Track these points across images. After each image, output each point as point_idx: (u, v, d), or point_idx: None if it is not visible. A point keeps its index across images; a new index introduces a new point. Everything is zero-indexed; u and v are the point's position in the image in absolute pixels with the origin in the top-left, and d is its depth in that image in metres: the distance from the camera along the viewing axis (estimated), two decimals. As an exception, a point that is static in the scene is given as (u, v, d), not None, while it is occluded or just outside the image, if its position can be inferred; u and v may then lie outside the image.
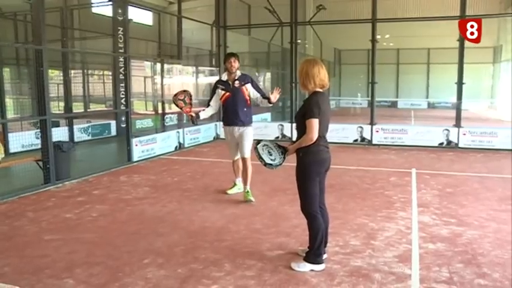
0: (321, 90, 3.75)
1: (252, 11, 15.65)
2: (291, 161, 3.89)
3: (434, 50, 27.46)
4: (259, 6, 15.06)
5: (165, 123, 13.91)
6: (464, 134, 10.56)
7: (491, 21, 23.15)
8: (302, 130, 3.71)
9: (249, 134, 6.01)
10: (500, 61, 26.08)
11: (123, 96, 12.60)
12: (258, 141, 3.93)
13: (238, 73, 5.97)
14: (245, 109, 5.99)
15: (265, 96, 5.94)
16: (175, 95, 5.66)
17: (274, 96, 5.71)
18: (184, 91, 5.72)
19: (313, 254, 3.83)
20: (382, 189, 6.74)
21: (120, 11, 12.36)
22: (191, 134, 11.16)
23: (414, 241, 4.50)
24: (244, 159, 6.04)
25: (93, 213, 5.47)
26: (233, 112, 5.93)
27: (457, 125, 10.76)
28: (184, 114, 6.34)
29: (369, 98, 29.96)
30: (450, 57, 26.66)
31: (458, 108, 10.83)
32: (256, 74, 18.06)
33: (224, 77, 6.05)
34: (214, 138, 12.26)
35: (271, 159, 3.84)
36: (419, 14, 11.79)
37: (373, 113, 11.54)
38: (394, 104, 28.38)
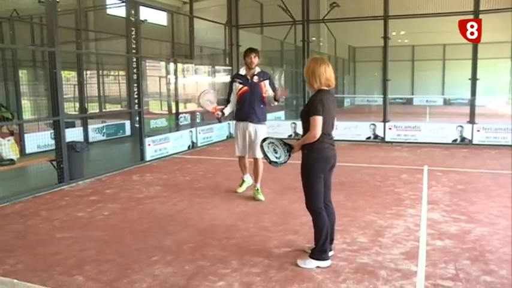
0: (326, 88, 3.77)
1: (265, 10, 15.66)
2: (299, 158, 3.91)
3: (450, 46, 27.08)
4: (272, 4, 15.10)
5: (179, 123, 14.05)
6: (479, 131, 10.43)
7: (506, 16, 22.84)
8: (307, 127, 3.73)
9: (263, 132, 5.89)
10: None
11: (136, 96, 12.81)
12: (263, 139, 3.97)
13: (258, 69, 5.93)
14: (262, 106, 5.94)
15: (275, 98, 5.94)
16: (200, 95, 6.02)
17: (280, 93, 5.94)
18: (208, 91, 6.13)
19: (319, 251, 3.85)
20: (393, 187, 6.71)
21: (133, 11, 12.55)
22: (204, 133, 11.25)
23: (422, 238, 4.48)
24: (256, 159, 6.00)
25: (104, 212, 5.58)
26: (249, 107, 5.86)
27: (471, 121, 10.63)
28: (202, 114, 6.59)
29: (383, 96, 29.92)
30: (465, 52, 26.38)
31: (472, 104, 10.69)
32: (272, 71, 18.09)
33: (242, 71, 6.00)
34: (227, 137, 12.32)
35: (277, 157, 3.87)
36: (432, 10, 11.71)
37: (386, 110, 11.46)
38: (409, 101, 28.11)
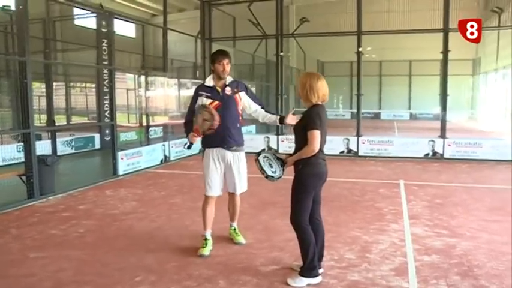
0: (321, 103, 3.74)
1: (237, 23, 15.69)
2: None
3: (416, 62, 27.95)
4: (244, 18, 15.15)
5: (149, 136, 13.79)
6: (449, 145, 10.67)
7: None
8: (302, 142, 3.67)
9: (244, 160, 4.63)
10: (479, 73, 26.64)
11: (107, 108, 12.50)
12: (258, 153, 3.87)
13: (229, 78, 4.52)
14: (238, 125, 4.55)
15: (268, 111, 4.68)
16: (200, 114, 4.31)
17: (291, 118, 4.27)
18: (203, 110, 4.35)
19: (308, 268, 3.76)
20: (372, 201, 6.72)
21: (104, 23, 12.30)
22: (177, 147, 11.03)
23: (409, 253, 4.46)
24: (234, 194, 4.70)
25: (79, 229, 5.32)
26: (224, 128, 4.36)
27: (442, 136, 10.88)
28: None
29: (353, 110, 30.35)
30: (430, 69, 27.32)
31: (443, 119, 10.94)
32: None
33: (209, 82, 4.50)
34: (200, 150, 12.07)
35: (272, 172, 3.79)
36: (400, 27, 12.00)
37: (359, 125, 11.59)
38: (377, 116, 28.72)
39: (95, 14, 11.59)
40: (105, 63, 11.99)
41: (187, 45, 15.09)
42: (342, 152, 11.57)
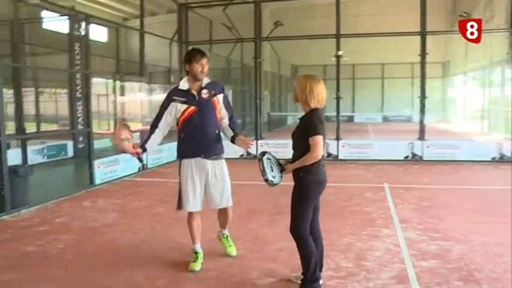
0: (320, 107, 3.59)
1: (214, 27, 15.50)
2: (261, 179, 3.65)
3: (388, 65, 28.32)
4: (220, 22, 14.99)
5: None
6: (428, 147, 10.75)
7: (439, 38, 24.26)
8: (303, 148, 3.51)
9: (226, 169, 4.26)
10: (449, 76, 27.22)
11: (80, 115, 12.08)
12: (262, 153, 3.68)
13: (206, 80, 4.12)
14: (217, 131, 4.18)
15: (233, 123, 4.34)
16: (115, 134, 3.99)
17: (242, 141, 4.16)
18: (123, 125, 4.18)
19: (309, 281, 3.61)
20: (360, 206, 6.63)
21: (77, 26, 11.91)
22: (154, 153, 10.71)
23: (406, 260, 4.36)
24: (225, 210, 4.36)
25: (58, 245, 5.00)
26: (202, 136, 4.06)
27: (421, 138, 10.94)
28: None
29: (326, 113, 30.65)
30: (403, 71, 27.71)
31: (421, 121, 11.01)
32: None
33: (184, 85, 4.11)
34: (177, 157, 11.82)
35: (273, 176, 3.61)
36: (372, 30, 12.05)
37: (339, 128, 11.56)
38: (350, 119, 28.89)
39: (67, 17, 11.22)
40: (79, 67, 11.64)
41: (160, 50, 14.79)
42: (322, 156, 11.44)
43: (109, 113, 13.39)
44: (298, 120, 3.72)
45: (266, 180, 3.60)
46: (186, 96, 4.07)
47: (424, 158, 10.71)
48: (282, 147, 11.38)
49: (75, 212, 6.53)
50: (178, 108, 4.08)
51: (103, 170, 8.52)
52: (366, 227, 5.53)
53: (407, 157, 10.85)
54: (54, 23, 16.04)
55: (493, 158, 10.39)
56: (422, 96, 10.94)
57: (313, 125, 3.49)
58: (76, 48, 11.80)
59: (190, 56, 4.07)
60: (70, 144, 12.20)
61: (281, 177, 3.67)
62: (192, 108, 4.06)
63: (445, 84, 28.09)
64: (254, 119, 12.75)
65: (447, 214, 6.04)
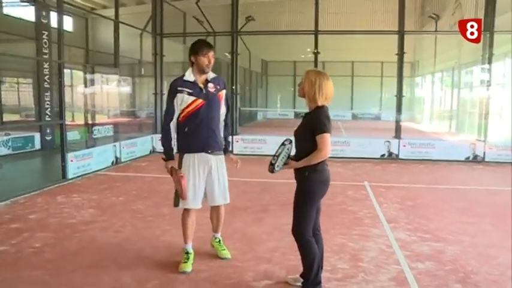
0: (326, 104, 3.44)
1: (188, 20, 15.13)
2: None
3: (358, 63, 28.64)
4: (194, 14, 14.66)
5: (93, 136, 12.91)
6: (404, 146, 10.83)
7: (408, 39, 24.70)
8: (307, 147, 3.35)
9: (225, 165, 4.13)
10: (416, 75, 27.78)
11: (48, 106, 11.54)
12: (290, 141, 3.48)
13: (212, 74, 4.00)
14: (220, 126, 4.11)
15: (228, 118, 4.23)
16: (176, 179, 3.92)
17: (232, 158, 4.18)
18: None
19: (312, 284, 3.46)
20: (345, 205, 6.54)
21: (44, 13, 11.34)
22: (127, 147, 10.35)
23: (401, 261, 4.28)
24: (219, 208, 4.24)
25: (35, 244, 4.66)
26: (208, 130, 3.93)
27: (397, 136, 11.02)
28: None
29: (296, 110, 30.50)
30: (372, 70, 28.07)
31: (397, 120, 11.09)
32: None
33: (189, 76, 3.92)
34: (150, 151, 11.52)
35: (277, 165, 3.43)
36: (346, 28, 12.03)
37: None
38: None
39: (33, 4, 10.65)
40: (46, 56, 11.09)
41: (128, 41, 14.30)
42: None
43: (78, 105, 12.79)
44: (301, 117, 3.55)
45: (272, 164, 3.43)
46: (193, 88, 3.90)
47: (400, 157, 10.79)
48: (259, 143, 11.28)
49: (49, 207, 6.15)
50: (184, 99, 3.88)
51: (76, 164, 8.12)
52: (355, 227, 5.44)
53: (383, 155, 10.90)
54: (17, 9, 15.30)
55: (467, 158, 10.58)
56: (400, 95, 11.01)
57: (320, 122, 3.33)
58: (44, 36, 11.25)
59: (197, 48, 3.89)
60: (37, 136, 11.62)
61: (281, 169, 3.50)
62: (200, 101, 3.90)
63: (413, 84, 28.65)
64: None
65: (433, 214, 6.03)
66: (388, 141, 10.95)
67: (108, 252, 4.45)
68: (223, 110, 4.12)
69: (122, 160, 10.01)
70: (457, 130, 18.59)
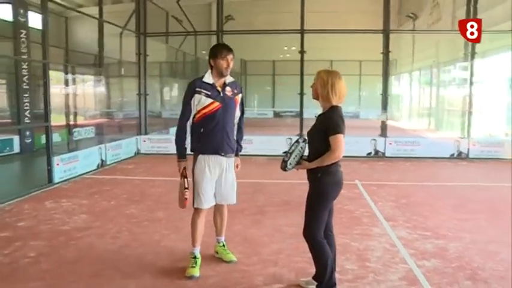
0: (339, 105, 3.38)
1: (170, 19, 14.92)
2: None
3: (336, 62, 28.77)
4: (175, 14, 14.49)
5: (74, 138, 12.62)
6: (391, 144, 10.91)
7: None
8: (320, 147, 3.30)
9: (233, 166, 4.18)
10: (395, 74, 28.13)
11: (27, 108, 11.20)
12: (304, 140, 3.43)
13: (230, 78, 4.01)
14: (234, 130, 4.13)
15: (242, 122, 4.24)
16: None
17: (236, 164, 4.19)
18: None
19: (327, 287, 3.40)
20: (340, 204, 6.46)
21: (22, 11, 11.00)
22: (113, 149, 10.11)
23: (408, 260, 4.27)
24: (223, 209, 4.24)
25: (30, 253, 4.45)
26: (223, 133, 3.94)
27: (383, 134, 11.09)
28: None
29: (275, 109, 30.45)
30: (351, 69, 28.27)
31: (383, 118, 11.17)
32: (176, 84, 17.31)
33: (208, 78, 3.93)
34: (135, 153, 11.28)
35: (290, 163, 3.38)
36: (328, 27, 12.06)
37: (302, 124, 11.50)
38: (298, 114, 29.13)
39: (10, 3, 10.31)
40: (25, 56, 10.75)
41: (108, 41, 14.02)
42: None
43: (59, 106, 12.47)
44: (315, 117, 3.48)
45: (285, 161, 3.39)
46: (212, 91, 3.91)
47: (387, 155, 10.87)
48: (245, 144, 11.18)
49: (38, 214, 5.92)
50: (202, 100, 3.89)
51: (62, 167, 7.87)
52: (355, 226, 5.42)
53: (370, 153, 10.96)
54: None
55: (452, 155, 10.74)
56: (385, 94, 11.09)
57: (334, 122, 3.28)
58: (22, 36, 10.90)
59: (216, 51, 3.93)
60: (16, 139, 11.23)
61: (293, 167, 3.44)
62: (217, 104, 3.90)
63: (391, 82, 29.03)
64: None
65: (429, 211, 6.06)
66: (375, 140, 11.02)
67: (108, 260, 4.29)
68: (237, 113, 4.13)
69: (108, 162, 9.77)
70: (436, 127, 18.90)
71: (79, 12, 11.02)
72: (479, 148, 10.61)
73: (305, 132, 10.88)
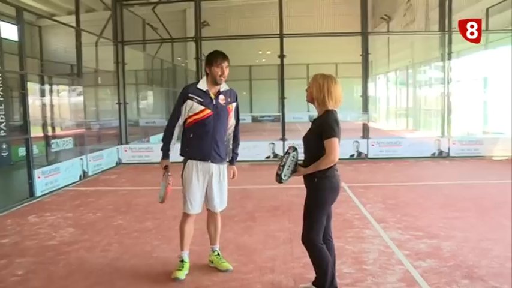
0: (335, 109, 3.38)
1: (147, 26, 14.78)
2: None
3: (313, 65, 29.02)
4: (152, 21, 14.37)
5: (52, 150, 12.31)
6: (373, 145, 11.02)
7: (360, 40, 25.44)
8: (316, 152, 3.28)
9: (226, 173, 4.15)
10: (370, 75, 28.52)
11: (2, 120, 10.87)
12: (294, 149, 3.40)
13: (225, 86, 4.02)
14: (225, 138, 4.10)
15: (237, 131, 4.21)
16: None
17: (232, 172, 4.22)
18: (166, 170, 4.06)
19: (329, 292, 3.38)
20: (329, 207, 6.52)
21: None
22: (94, 160, 9.92)
23: (404, 261, 4.29)
24: (216, 216, 4.20)
25: (17, 271, 4.29)
26: (212, 141, 3.93)
27: (365, 136, 11.19)
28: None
29: (253, 114, 30.40)
30: (326, 72, 28.53)
31: (366, 120, 11.27)
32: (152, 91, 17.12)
33: (203, 85, 3.95)
34: (116, 163, 11.09)
35: (284, 174, 3.35)
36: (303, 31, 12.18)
37: (284, 128, 11.52)
38: (277, 119, 29.12)
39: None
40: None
41: (84, 50, 13.79)
42: (268, 157, 11.38)
43: (36, 118, 12.17)
44: (310, 122, 3.47)
45: (278, 175, 3.35)
46: (204, 98, 3.93)
47: (369, 156, 10.96)
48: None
49: (22, 229, 5.73)
50: (194, 106, 3.92)
51: (43, 180, 7.67)
52: (347, 229, 5.42)
53: (352, 155, 11.04)
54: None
55: (433, 154, 10.91)
56: (365, 95, 11.20)
57: (328, 126, 3.27)
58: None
59: (211, 58, 3.95)
60: (-9, 152, 10.89)
61: (289, 178, 3.41)
62: (209, 111, 3.93)
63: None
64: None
65: (418, 211, 6.12)
66: (357, 141, 11.10)
67: (101, 274, 4.18)
68: (231, 122, 4.13)
69: (90, 174, 9.58)
70: (414, 127, 19.20)
71: (56, 21, 10.73)
72: (460, 147, 10.82)
73: (290, 136, 10.92)
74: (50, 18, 12.09)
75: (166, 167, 4.05)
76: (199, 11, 11.50)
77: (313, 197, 3.37)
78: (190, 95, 3.92)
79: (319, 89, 3.32)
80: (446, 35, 11.07)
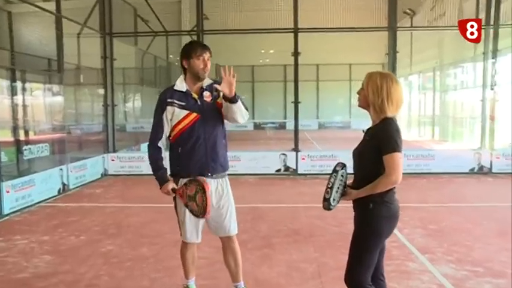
0: (395, 116, 2.98)
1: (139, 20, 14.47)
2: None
3: (322, 66, 28.78)
4: (142, 13, 14.10)
5: (24, 157, 11.90)
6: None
7: (379, 38, 25.12)
8: (372, 170, 2.87)
9: (230, 188, 3.78)
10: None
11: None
12: (342, 166, 2.99)
13: (207, 80, 3.63)
14: (223, 141, 3.73)
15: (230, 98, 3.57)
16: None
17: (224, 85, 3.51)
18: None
19: None
20: (360, 232, 6.11)
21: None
22: (76, 171, 9.51)
23: (467, 307, 3.87)
24: (229, 238, 3.79)
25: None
26: (208, 150, 3.59)
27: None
28: None
29: (255, 120, 30.05)
30: (341, 73, 28.20)
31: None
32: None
33: (181, 85, 3.61)
34: (102, 175, 10.70)
35: (333, 199, 2.94)
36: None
37: (297, 138, 11.18)
38: (282, 126, 28.83)
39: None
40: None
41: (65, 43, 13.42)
42: (279, 170, 11.01)
43: (4, 119, 11.77)
44: (363, 132, 3.06)
45: (326, 200, 2.94)
46: (186, 100, 3.59)
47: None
48: (232, 161, 10.78)
49: (-15, 257, 5.30)
50: (176, 113, 3.57)
51: (13, 195, 7.28)
52: (386, 260, 4.91)
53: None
54: None
55: (471, 170, 10.52)
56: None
57: (390, 138, 2.86)
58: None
59: (189, 50, 3.60)
60: None
61: (338, 202, 3.00)
62: (194, 115, 3.57)
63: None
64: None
65: (470, 240, 5.73)
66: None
67: (88, 317, 3.75)
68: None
69: (71, 187, 9.21)
70: (441, 137, 18.83)
71: (32, 4, 10.34)
72: (504, 161, 10.42)
73: (300, 147, 10.44)
74: (24, 1, 11.65)
75: (173, 190, 3.62)
76: (202, 2, 11.18)
77: (367, 227, 2.96)
78: (169, 100, 3.57)
79: (376, 91, 2.90)
80: (491, 30, 10.71)
